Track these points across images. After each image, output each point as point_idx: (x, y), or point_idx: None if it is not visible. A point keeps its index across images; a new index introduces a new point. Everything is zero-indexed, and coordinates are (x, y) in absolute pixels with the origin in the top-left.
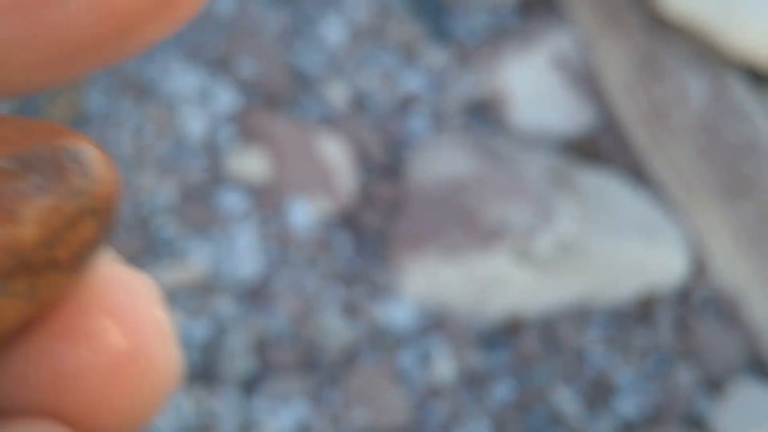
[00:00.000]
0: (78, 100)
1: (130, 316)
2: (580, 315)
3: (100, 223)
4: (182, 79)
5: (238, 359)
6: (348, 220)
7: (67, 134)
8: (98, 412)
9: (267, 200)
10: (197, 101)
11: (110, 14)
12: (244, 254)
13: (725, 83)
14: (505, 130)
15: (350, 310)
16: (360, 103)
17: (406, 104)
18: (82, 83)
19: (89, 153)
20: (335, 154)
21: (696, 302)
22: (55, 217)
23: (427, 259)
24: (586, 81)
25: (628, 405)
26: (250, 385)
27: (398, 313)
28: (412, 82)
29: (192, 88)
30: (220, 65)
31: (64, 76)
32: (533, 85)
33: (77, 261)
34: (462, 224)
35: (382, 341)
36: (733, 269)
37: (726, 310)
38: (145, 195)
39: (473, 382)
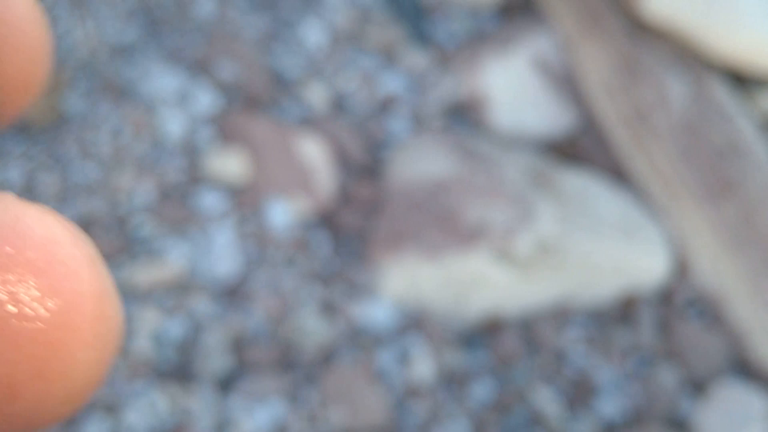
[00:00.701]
0: (57, 102)
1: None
2: (560, 315)
3: None
4: (162, 81)
5: (214, 358)
6: (327, 220)
7: None
8: None
9: (245, 200)
10: (176, 103)
11: None
12: (222, 253)
13: (706, 85)
14: (484, 131)
15: (328, 309)
16: (339, 104)
17: (385, 106)
18: (62, 85)
19: None
20: (314, 154)
21: (678, 303)
22: None
23: (406, 259)
24: (565, 83)
25: (609, 406)
26: (226, 384)
27: (377, 312)
28: (392, 84)
29: (171, 90)
30: (199, 67)
31: None
32: (513, 87)
33: None
34: (441, 224)
35: (361, 341)
36: (715, 270)
37: (708, 311)
38: (123, 195)
39: (452, 382)
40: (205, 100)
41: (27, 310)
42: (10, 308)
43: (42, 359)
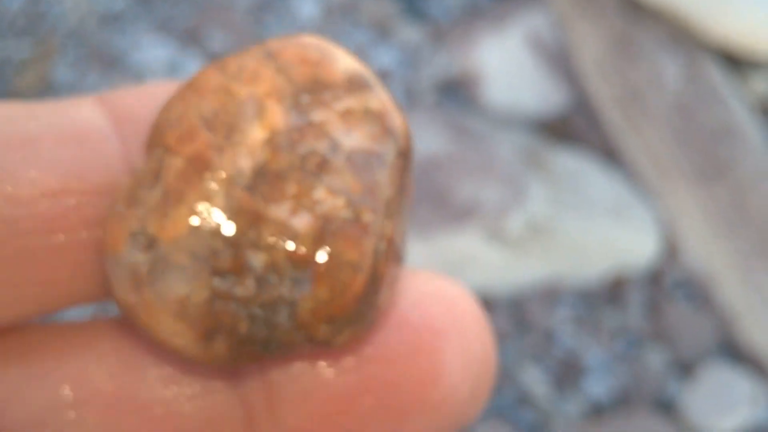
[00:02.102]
0: (46, 71)
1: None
2: (550, 295)
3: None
4: (151, 52)
5: None
6: None
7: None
8: None
9: None
10: (166, 73)
11: None
12: None
13: (701, 66)
14: (477, 109)
15: None
16: None
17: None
18: (50, 54)
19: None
20: None
21: (667, 284)
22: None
23: None
24: (560, 61)
25: (597, 386)
26: None
27: None
28: (385, 58)
29: (161, 61)
30: (190, 38)
31: None
32: (507, 65)
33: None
34: (432, 202)
35: None
36: (705, 252)
37: (697, 293)
38: None
39: None
40: (195, 70)
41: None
42: None
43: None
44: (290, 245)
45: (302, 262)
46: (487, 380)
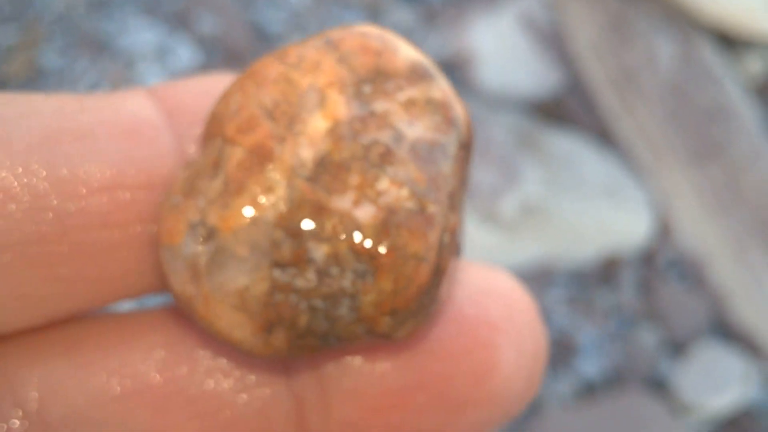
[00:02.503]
0: (34, 57)
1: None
2: (543, 276)
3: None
4: (140, 36)
5: None
6: None
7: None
8: None
9: None
10: (155, 58)
11: None
12: None
13: (695, 47)
14: (471, 90)
15: None
16: None
17: None
18: (38, 41)
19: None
20: None
21: (660, 264)
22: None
23: None
24: (553, 43)
25: (590, 365)
26: None
27: None
28: None
29: (150, 45)
30: (179, 21)
31: None
32: (500, 46)
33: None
34: None
35: None
36: (698, 232)
37: (690, 273)
38: None
39: None
40: (185, 54)
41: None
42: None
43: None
44: (354, 236)
45: (366, 254)
46: (539, 372)
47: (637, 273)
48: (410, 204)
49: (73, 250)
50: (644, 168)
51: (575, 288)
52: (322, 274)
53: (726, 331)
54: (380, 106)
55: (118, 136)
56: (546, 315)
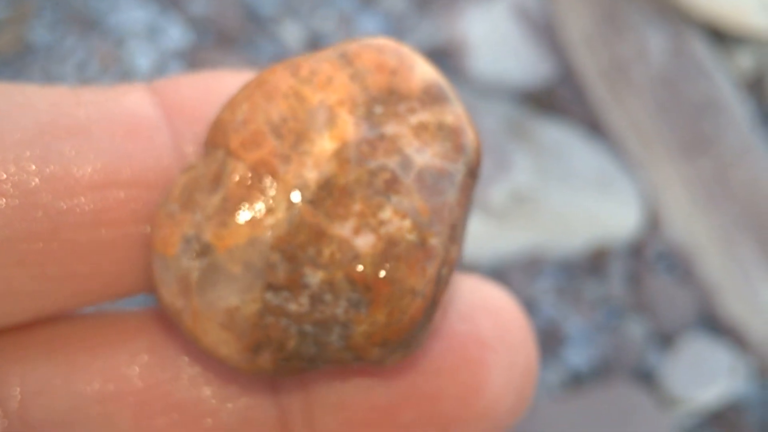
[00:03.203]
0: (23, 33)
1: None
2: (532, 265)
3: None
4: (130, 14)
5: None
6: None
7: None
8: None
9: None
10: (145, 36)
11: None
12: None
13: (686, 41)
14: (462, 79)
15: None
16: (315, 45)
17: None
18: (27, 16)
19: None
20: None
21: (649, 256)
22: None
23: None
24: (546, 33)
25: (578, 355)
26: None
27: None
28: (369, 26)
29: (140, 23)
30: (170, 1)
31: None
32: (493, 35)
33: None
34: None
35: None
36: (687, 225)
37: (678, 265)
38: None
39: None
40: (176, 34)
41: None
42: None
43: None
44: (352, 265)
45: (362, 285)
46: (529, 390)
47: (626, 264)
48: (411, 236)
49: (64, 248)
50: (634, 160)
51: (564, 278)
52: (316, 300)
53: (714, 324)
54: (390, 128)
55: (113, 132)
56: (534, 304)
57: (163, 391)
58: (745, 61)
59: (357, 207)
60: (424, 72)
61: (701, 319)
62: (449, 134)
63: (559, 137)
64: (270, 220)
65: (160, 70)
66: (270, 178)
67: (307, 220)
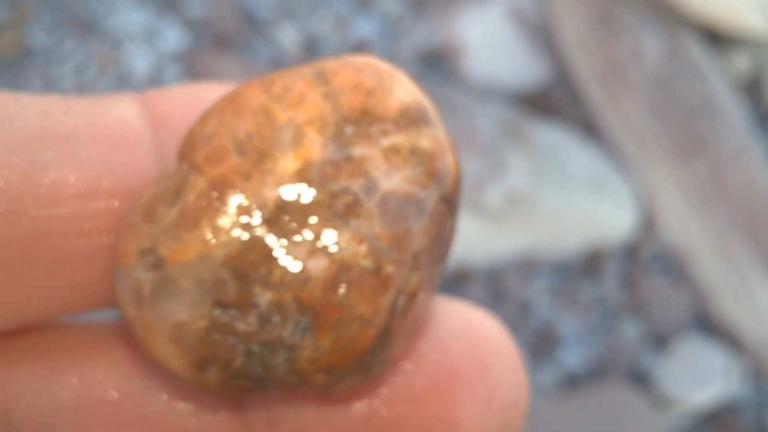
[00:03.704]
0: (21, 36)
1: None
2: (527, 267)
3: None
4: (128, 17)
5: None
6: None
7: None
8: None
9: None
10: (143, 39)
11: None
12: None
13: (682, 42)
14: (458, 81)
15: None
16: (311, 47)
17: (358, 50)
18: (26, 19)
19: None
20: None
21: (644, 258)
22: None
23: None
24: (541, 35)
25: (573, 357)
26: None
27: None
28: (365, 28)
29: (138, 26)
30: (167, 3)
31: None
32: (488, 37)
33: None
34: None
35: None
36: (682, 226)
37: (673, 267)
38: None
39: None
40: (173, 37)
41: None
42: None
43: None
44: (301, 288)
45: (309, 308)
46: (515, 427)
47: (621, 266)
48: (366, 262)
49: (47, 257)
50: (629, 161)
51: (559, 279)
52: (264, 320)
53: (708, 325)
54: (359, 150)
55: (99, 141)
56: (529, 306)
57: (134, 402)
58: (741, 62)
59: (313, 229)
60: (404, 93)
61: (696, 320)
62: (423, 159)
63: (555, 139)
64: (223, 237)
65: (157, 72)
66: (228, 194)
67: (260, 239)
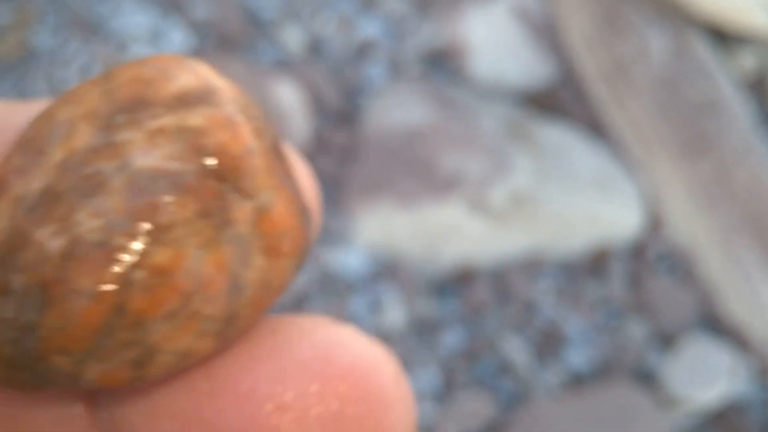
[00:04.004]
0: (26, 37)
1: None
2: (532, 266)
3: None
4: (133, 19)
5: None
6: None
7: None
8: None
9: None
10: (148, 41)
11: None
12: None
13: (687, 41)
14: (463, 80)
15: None
16: (316, 48)
17: (363, 51)
18: (30, 21)
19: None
20: (289, 99)
21: (649, 257)
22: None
23: (380, 207)
24: (546, 34)
25: (578, 356)
26: None
27: (350, 260)
28: (370, 28)
29: (143, 28)
30: (172, 5)
31: None
32: (493, 37)
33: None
34: (417, 173)
35: (333, 288)
36: (688, 226)
37: (679, 266)
38: None
39: (423, 329)
40: (177, 39)
41: None
42: None
43: None
44: (41, 267)
45: (44, 286)
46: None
47: (627, 265)
48: (95, 236)
49: None
50: (635, 161)
51: (564, 279)
52: (21, 304)
53: (714, 324)
54: (123, 136)
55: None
56: (534, 305)
57: (9, 414)
58: (747, 61)
59: (60, 211)
60: (189, 80)
61: (702, 319)
62: (187, 136)
63: (560, 138)
64: None
65: None
66: (2, 191)
67: (20, 227)
